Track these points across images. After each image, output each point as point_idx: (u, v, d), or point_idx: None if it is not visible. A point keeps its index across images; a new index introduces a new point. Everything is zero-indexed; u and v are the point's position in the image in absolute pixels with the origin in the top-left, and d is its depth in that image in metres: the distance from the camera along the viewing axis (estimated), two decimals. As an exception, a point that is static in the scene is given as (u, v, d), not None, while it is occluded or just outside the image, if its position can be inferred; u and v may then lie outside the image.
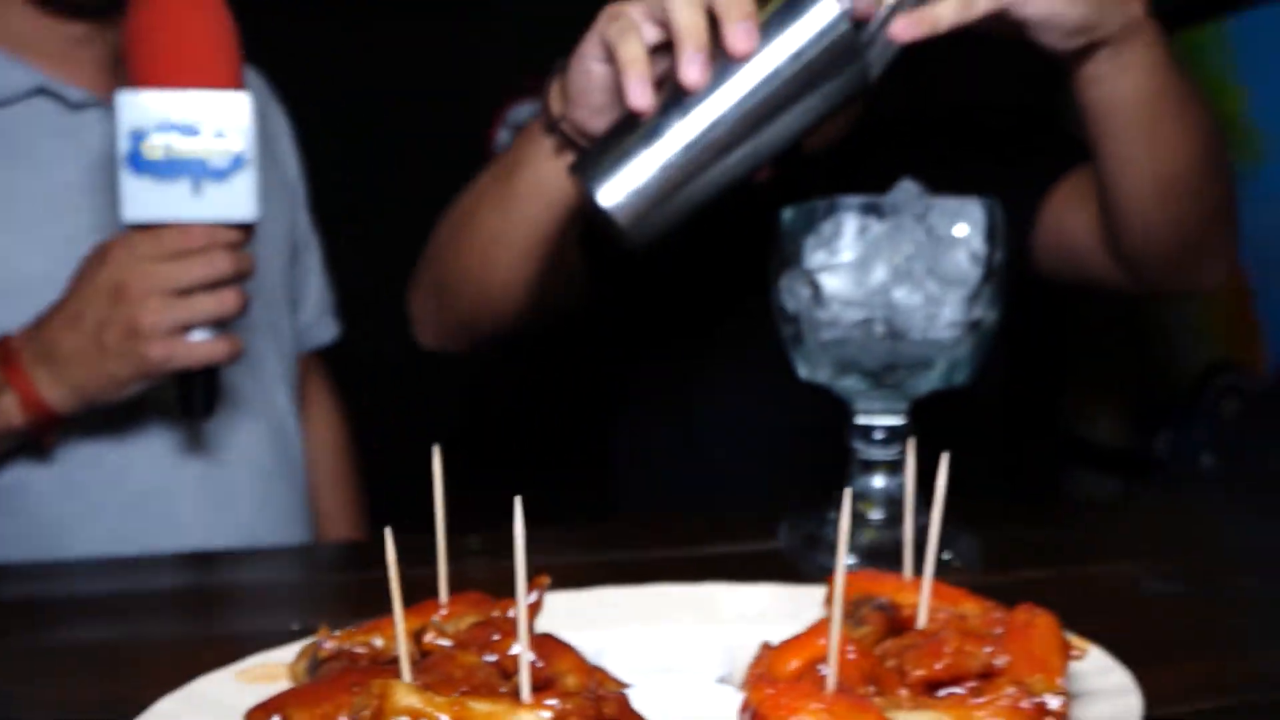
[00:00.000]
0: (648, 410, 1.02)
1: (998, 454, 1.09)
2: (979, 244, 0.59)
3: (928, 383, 0.61)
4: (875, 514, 0.63)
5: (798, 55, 0.58)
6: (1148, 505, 0.91)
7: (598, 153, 0.60)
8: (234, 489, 0.90)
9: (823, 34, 0.58)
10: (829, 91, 0.60)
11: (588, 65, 0.66)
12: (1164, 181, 0.75)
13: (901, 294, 0.58)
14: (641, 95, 0.59)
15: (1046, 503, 0.80)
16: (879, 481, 0.63)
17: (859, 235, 0.58)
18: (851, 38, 0.58)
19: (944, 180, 0.63)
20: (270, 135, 1.01)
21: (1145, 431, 2.03)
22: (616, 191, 0.59)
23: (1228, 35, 1.66)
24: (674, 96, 0.59)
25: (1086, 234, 0.90)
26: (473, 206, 0.81)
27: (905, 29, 0.60)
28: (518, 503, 0.28)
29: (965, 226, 0.59)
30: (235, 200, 0.70)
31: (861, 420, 0.63)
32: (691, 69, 0.58)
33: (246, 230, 0.72)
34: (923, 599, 0.36)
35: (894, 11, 0.61)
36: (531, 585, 0.39)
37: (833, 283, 0.59)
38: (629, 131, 0.60)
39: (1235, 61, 1.65)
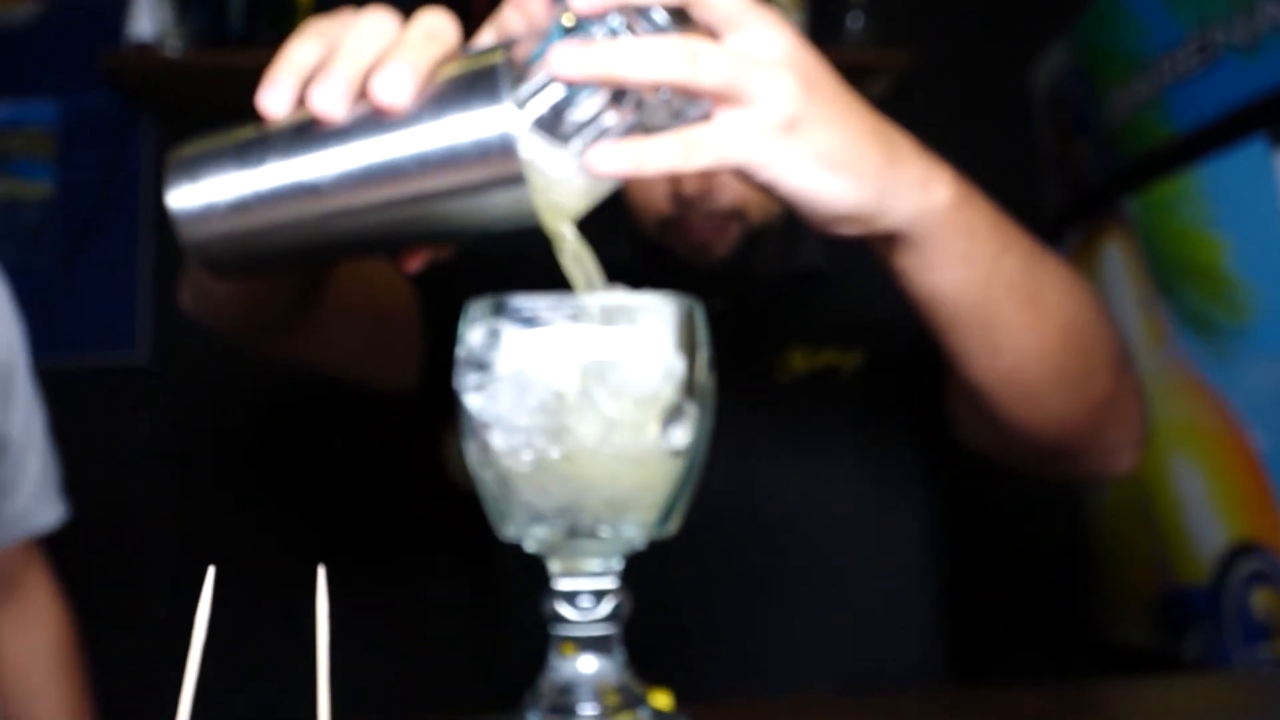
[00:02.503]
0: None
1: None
2: (672, 353, 0.46)
3: (631, 531, 0.48)
4: (586, 709, 0.48)
5: (449, 145, 0.46)
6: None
7: (194, 147, 0.49)
8: None
9: (485, 139, 0.46)
10: (487, 204, 0.47)
11: None
12: (1015, 381, 0.62)
13: (575, 417, 0.46)
14: (271, 98, 0.47)
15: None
16: (588, 665, 0.49)
17: (523, 343, 0.46)
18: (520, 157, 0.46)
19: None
20: None
21: (1173, 631, 1.80)
22: (189, 195, 0.48)
23: (1202, 184, 1.54)
24: (302, 122, 0.48)
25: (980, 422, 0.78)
26: None
27: (603, 161, 0.48)
28: None
29: (658, 330, 0.46)
30: None
31: (562, 584, 0.49)
32: (320, 92, 0.46)
33: None
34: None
35: (595, 130, 0.48)
36: None
37: (485, 404, 0.47)
38: (238, 137, 0.49)
39: (1212, 212, 1.53)
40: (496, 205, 0.47)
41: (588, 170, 0.48)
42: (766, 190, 0.51)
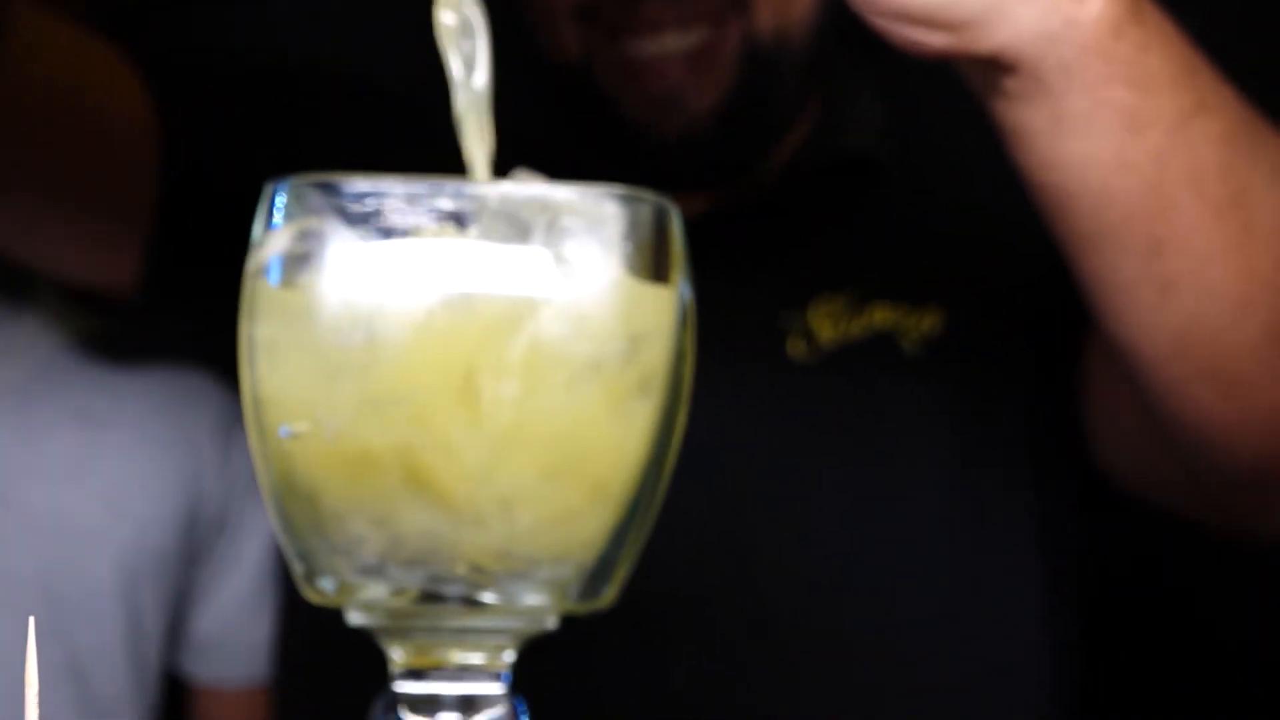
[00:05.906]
0: None
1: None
2: (620, 292, 0.27)
3: (535, 597, 0.28)
4: None
5: None
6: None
7: None
8: None
9: None
10: None
11: None
12: (1200, 343, 0.41)
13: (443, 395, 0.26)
14: None
15: None
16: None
17: (357, 262, 0.26)
18: None
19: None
20: None
21: None
22: None
23: None
24: None
25: (1132, 425, 0.53)
26: None
27: None
28: None
29: (596, 250, 0.27)
30: None
31: (406, 687, 0.28)
32: None
33: None
34: None
35: None
36: None
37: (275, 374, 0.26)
38: None
39: None
40: None
41: None
42: None
